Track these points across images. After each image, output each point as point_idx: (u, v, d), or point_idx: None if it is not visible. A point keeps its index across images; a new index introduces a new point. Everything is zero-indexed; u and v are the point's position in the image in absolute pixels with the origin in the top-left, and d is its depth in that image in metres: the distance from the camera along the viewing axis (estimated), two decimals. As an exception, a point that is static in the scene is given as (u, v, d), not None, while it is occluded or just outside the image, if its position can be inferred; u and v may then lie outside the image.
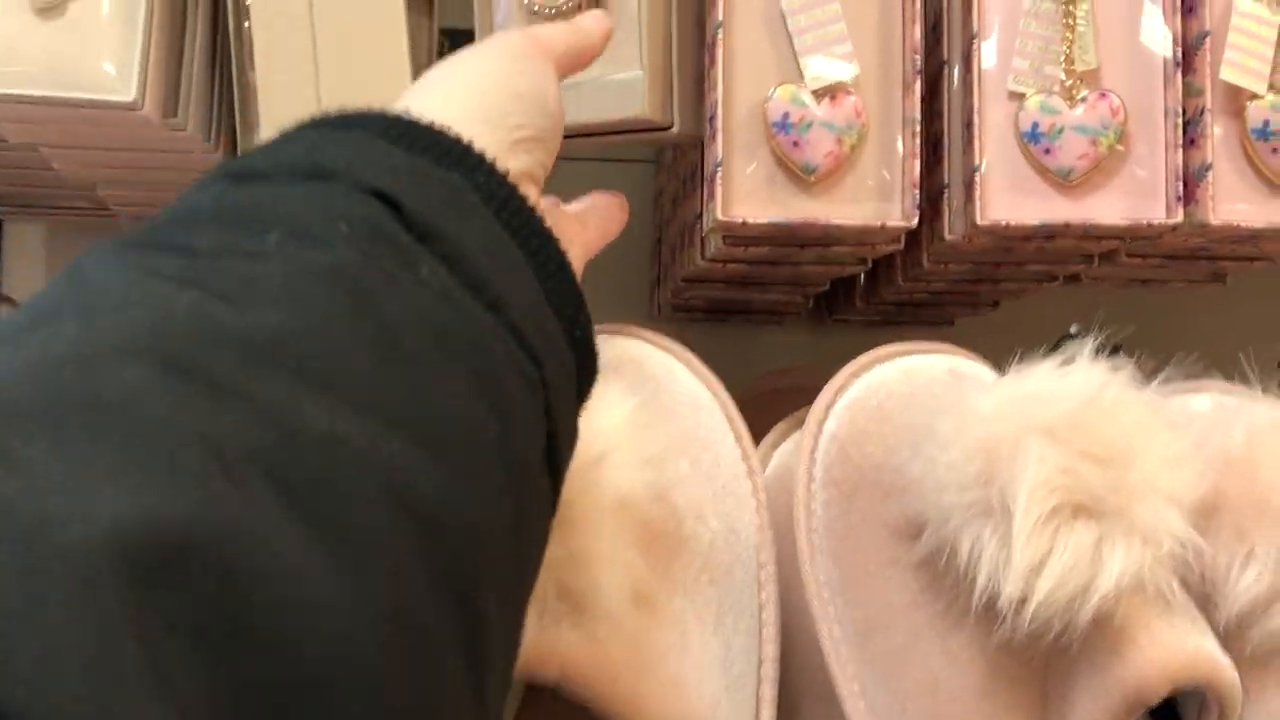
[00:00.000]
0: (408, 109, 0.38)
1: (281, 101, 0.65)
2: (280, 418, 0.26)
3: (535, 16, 0.64)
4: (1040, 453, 0.45)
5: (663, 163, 0.92)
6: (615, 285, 1.05)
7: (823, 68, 0.63)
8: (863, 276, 0.85)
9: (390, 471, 0.27)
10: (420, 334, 0.30)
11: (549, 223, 0.39)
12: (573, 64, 0.50)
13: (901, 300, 0.86)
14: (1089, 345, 0.50)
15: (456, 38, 0.74)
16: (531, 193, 0.41)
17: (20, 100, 0.61)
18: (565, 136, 0.65)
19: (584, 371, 0.40)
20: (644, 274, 1.04)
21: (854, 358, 1.05)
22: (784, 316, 0.97)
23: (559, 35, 0.49)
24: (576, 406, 0.40)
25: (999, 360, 1.00)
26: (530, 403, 0.34)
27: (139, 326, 0.27)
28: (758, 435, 0.76)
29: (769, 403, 0.93)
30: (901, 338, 1.04)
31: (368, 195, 0.32)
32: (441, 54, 0.81)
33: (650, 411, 0.55)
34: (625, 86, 0.64)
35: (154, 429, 0.24)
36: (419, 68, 0.78)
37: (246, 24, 0.65)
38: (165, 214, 0.32)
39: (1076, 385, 0.47)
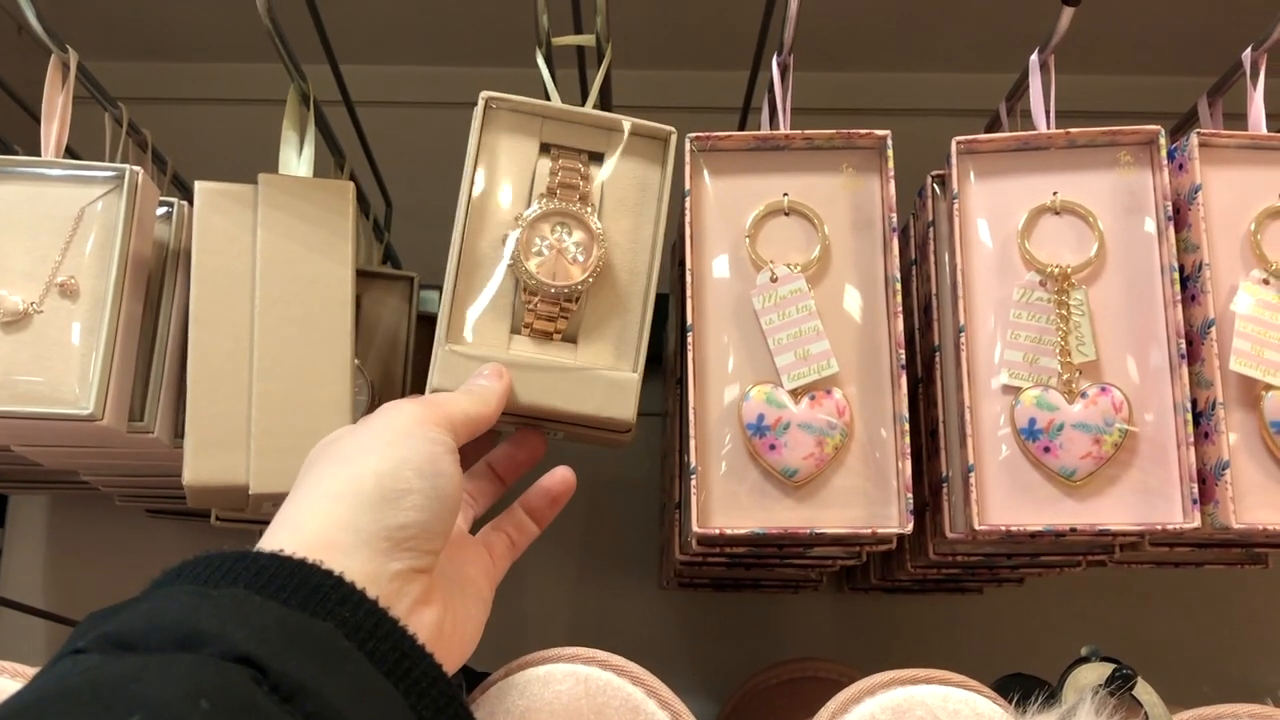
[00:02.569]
0: (282, 548, 0.40)
1: (210, 408, 0.63)
2: None
3: (525, 293, 0.62)
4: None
5: (668, 426, 0.88)
6: (624, 552, 1.01)
7: (798, 367, 0.60)
8: (877, 555, 0.80)
9: None
10: None
11: (425, 600, 0.44)
12: (473, 431, 0.51)
13: (917, 578, 0.81)
14: (1090, 699, 0.44)
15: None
16: (413, 590, 0.44)
17: (-19, 413, 0.60)
18: (526, 417, 0.63)
19: None
20: (653, 539, 1.00)
21: (877, 626, 0.99)
22: (799, 587, 0.92)
23: (461, 404, 0.51)
24: None
25: (1031, 633, 0.93)
26: None
27: None
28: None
29: (784, 694, 0.87)
30: (927, 606, 0.98)
31: (234, 663, 0.33)
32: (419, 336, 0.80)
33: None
34: (619, 386, 0.60)
35: None
36: (393, 356, 0.77)
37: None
38: (32, 691, 0.33)
39: (1073, 759, 0.41)
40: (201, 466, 0.62)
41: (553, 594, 1.00)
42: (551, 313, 0.62)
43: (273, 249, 0.64)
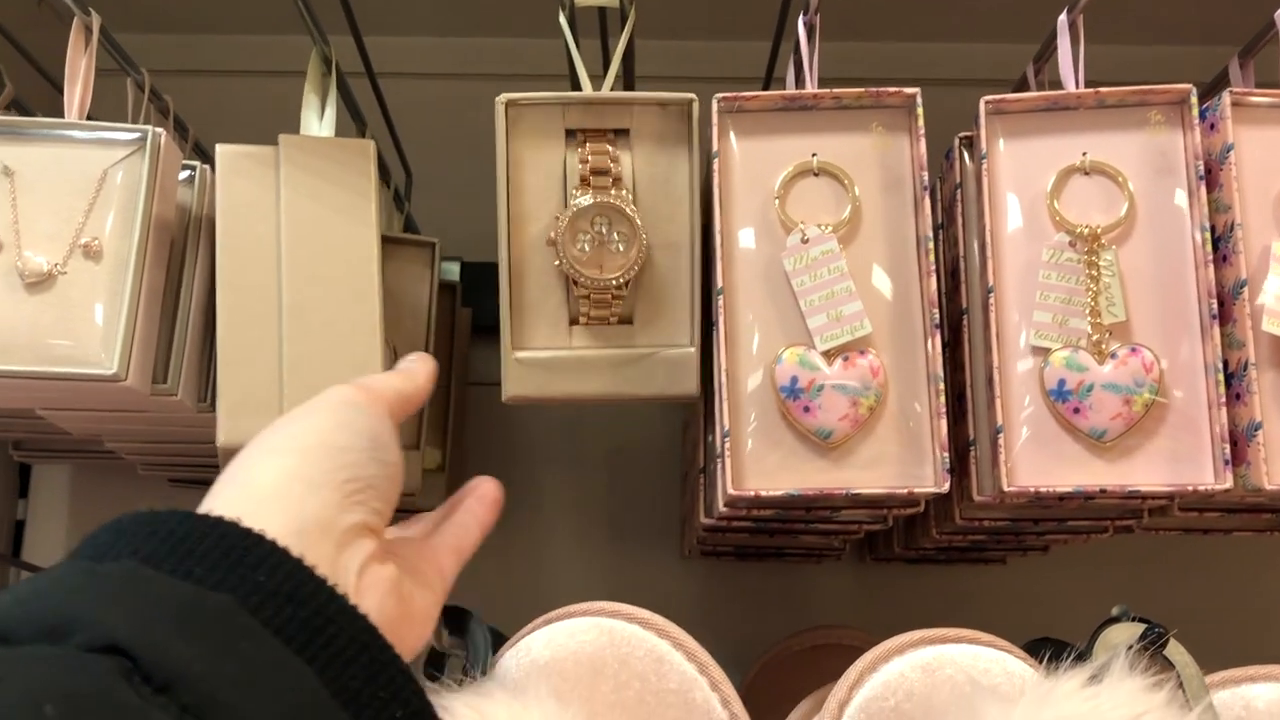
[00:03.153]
0: (214, 505, 0.38)
1: (241, 372, 0.63)
2: None
3: (575, 286, 0.62)
4: (1069, 798, 0.38)
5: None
6: (645, 523, 1.01)
7: (831, 328, 0.59)
8: (901, 522, 0.80)
9: None
10: None
11: (380, 557, 0.41)
12: (405, 408, 0.51)
13: (941, 546, 0.80)
14: (1122, 655, 0.43)
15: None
16: (367, 545, 0.41)
17: (7, 375, 0.60)
18: (603, 402, 0.64)
19: None
20: (674, 508, 1.00)
21: (899, 596, 0.99)
22: (822, 556, 0.91)
23: (390, 381, 0.51)
24: None
25: (1055, 604, 0.93)
26: None
27: None
28: (795, 700, 0.70)
29: (807, 661, 0.87)
30: (949, 577, 0.98)
31: (99, 655, 0.31)
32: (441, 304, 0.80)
33: (633, 717, 0.50)
34: (679, 364, 0.63)
35: None
36: (415, 323, 0.77)
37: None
38: None
39: (1106, 714, 0.40)
40: (234, 428, 0.63)
41: (574, 563, 1.00)
42: (604, 301, 0.62)
43: (297, 210, 0.64)
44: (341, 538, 0.41)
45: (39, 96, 0.79)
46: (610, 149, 0.63)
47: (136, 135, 0.63)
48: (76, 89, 0.65)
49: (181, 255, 0.67)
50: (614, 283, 0.61)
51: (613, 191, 0.62)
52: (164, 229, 0.64)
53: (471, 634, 0.55)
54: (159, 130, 0.63)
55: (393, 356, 0.74)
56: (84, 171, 0.62)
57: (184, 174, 0.68)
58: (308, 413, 0.45)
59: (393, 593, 0.43)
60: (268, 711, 0.32)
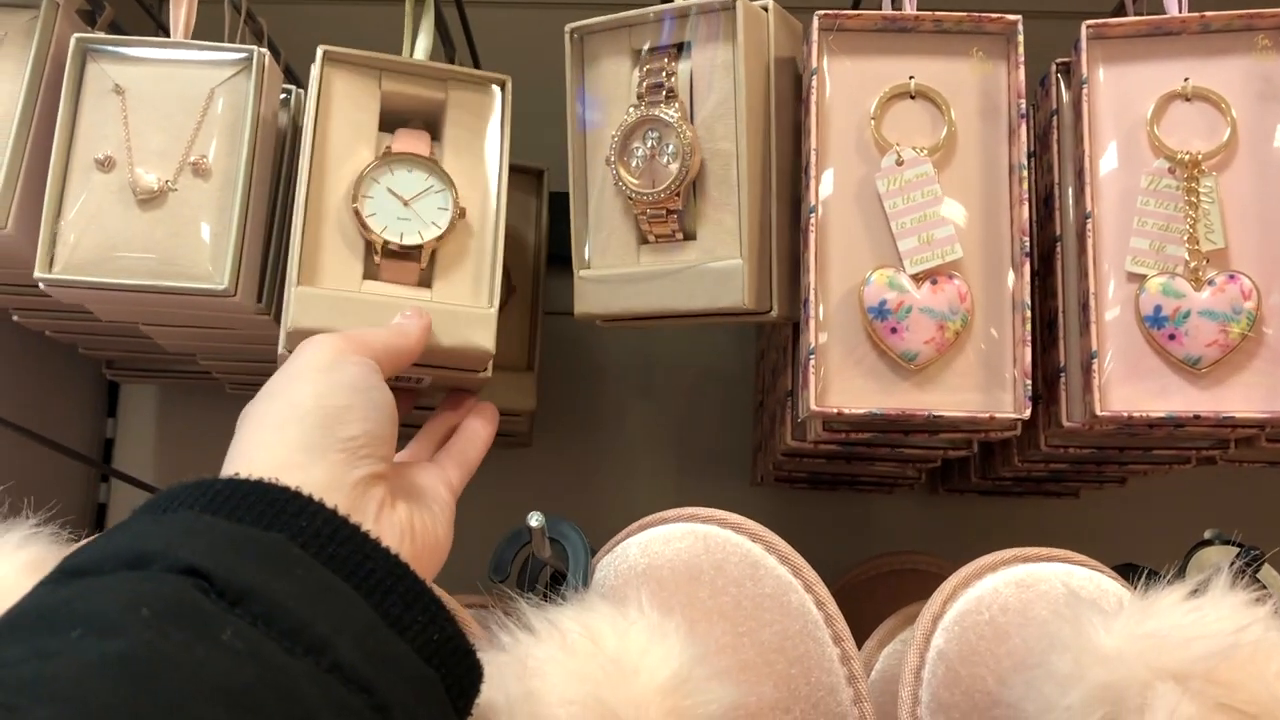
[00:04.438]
0: (237, 471, 0.41)
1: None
2: None
3: (631, 203, 0.63)
4: (1172, 704, 0.39)
5: (763, 325, 0.89)
6: (716, 450, 1.02)
7: (922, 251, 0.60)
8: (977, 451, 0.81)
9: None
10: (210, 700, 0.31)
11: (389, 503, 0.46)
12: (394, 362, 0.54)
13: (1019, 476, 0.81)
14: (1224, 571, 0.44)
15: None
16: (377, 493, 0.46)
17: (120, 289, 0.62)
18: (662, 318, 0.64)
19: (458, 669, 0.40)
20: (746, 438, 1.01)
21: (969, 529, 1.00)
22: (894, 486, 0.92)
23: (379, 336, 0.53)
24: (449, 708, 0.40)
25: (1127, 541, 0.93)
26: None
27: None
28: (873, 623, 0.72)
29: (883, 585, 0.88)
30: (1021, 509, 0.98)
31: (178, 574, 0.34)
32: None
33: (731, 622, 0.51)
34: (725, 275, 0.62)
35: None
36: (521, 248, 0.78)
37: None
38: None
39: (1211, 625, 0.41)
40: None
41: (648, 488, 1.02)
42: (659, 216, 0.63)
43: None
44: (351, 492, 0.45)
45: (130, 17, 0.81)
46: (668, 62, 0.63)
47: (242, 56, 0.64)
48: (181, 9, 0.66)
49: (278, 176, 0.69)
50: (661, 195, 0.62)
51: (662, 106, 0.62)
52: (267, 147, 0.65)
53: (572, 544, 0.57)
54: (263, 50, 0.64)
55: (506, 277, 0.77)
56: (191, 91, 0.64)
57: (280, 96, 0.69)
58: (297, 378, 0.48)
59: (406, 533, 0.48)
60: (328, 623, 0.35)
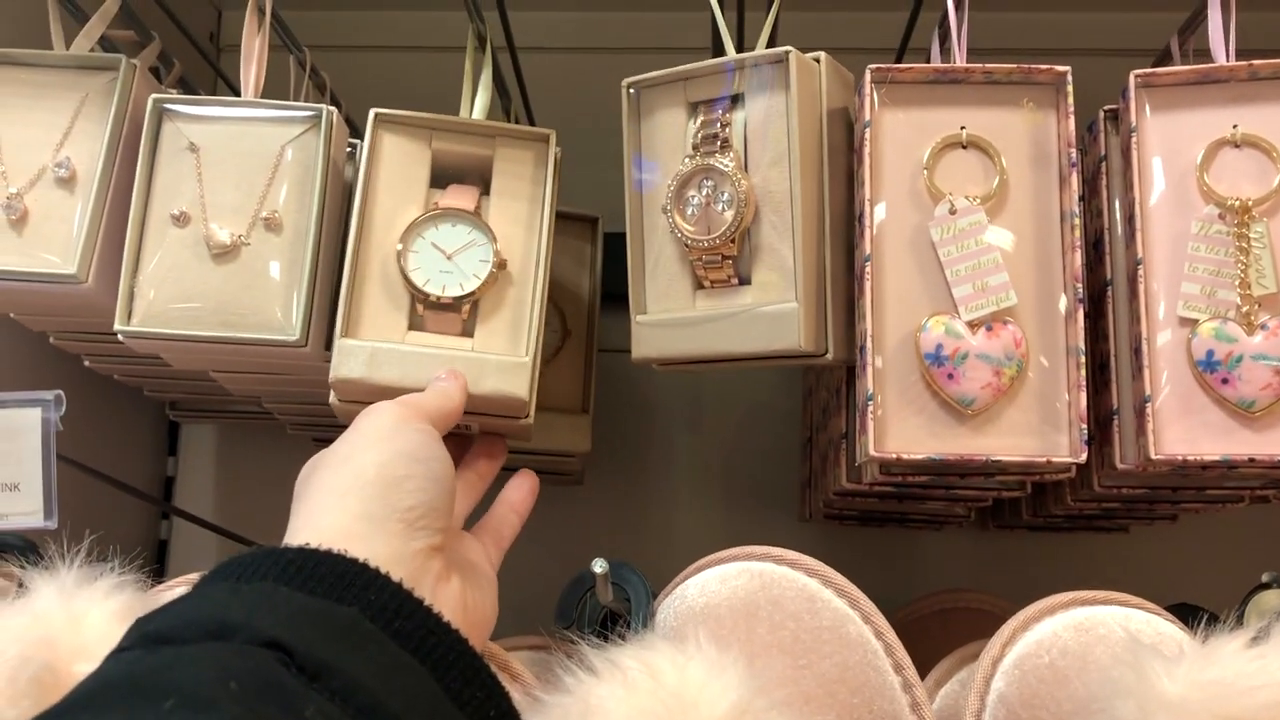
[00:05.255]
0: (307, 542, 0.42)
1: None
2: None
3: (687, 250, 0.65)
4: (1237, 752, 0.40)
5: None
6: (764, 485, 1.03)
7: (977, 298, 0.61)
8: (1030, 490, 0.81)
9: None
10: None
11: (445, 576, 0.48)
12: (444, 424, 0.56)
13: (1071, 514, 0.81)
14: (1284, 620, 0.45)
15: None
16: (434, 566, 0.48)
17: (195, 340, 0.64)
18: (718, 361, 0.66)
19: None
20: (793, 473, 1.02)
21: (1019, 564, 1.00)
22: (944, 523, 0.93)
23: (428, 400, 0.56)
24: None
25: (1178, 576, 0.93)
26: None
27: None
28: (928, 661, 0.72)
29: (937, 623, 0.89)
30: (1071, 545, 0.99)
31: (262, 648, 0.36)
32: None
33: (791, 655, 0.52)
34: (780, 318, 0.63)
35: None
36: (576, 295, 0.80)
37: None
38: (80, 690, 0.35)
39: (1275, 673, 0.42)
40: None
41: (697, 523, 1.03)
42: (715, 261, 0.64)
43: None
44: (411, 564, 0.46)
45: (194, 68, 0.83)
46: (722, 114, 0.65)
47: (311, 114, 0.66)
48: (252, 69, 0.69)
49: (345, 228, 0.71)
50: (717, 241, 0.63)
51: (717, 155, 0.64)
52: (335, 202, 0.68)
53: (634, 587, 0.58)
54: (331, 109, 0.66)
55: (561, 318, 0.78)
56: (263, 148, 0.66)
57: (346, 150, 0.72)
58: (362, 446, 0.50)
59: (460, 606, 0.49)
60: (400, 701, 0.37)
